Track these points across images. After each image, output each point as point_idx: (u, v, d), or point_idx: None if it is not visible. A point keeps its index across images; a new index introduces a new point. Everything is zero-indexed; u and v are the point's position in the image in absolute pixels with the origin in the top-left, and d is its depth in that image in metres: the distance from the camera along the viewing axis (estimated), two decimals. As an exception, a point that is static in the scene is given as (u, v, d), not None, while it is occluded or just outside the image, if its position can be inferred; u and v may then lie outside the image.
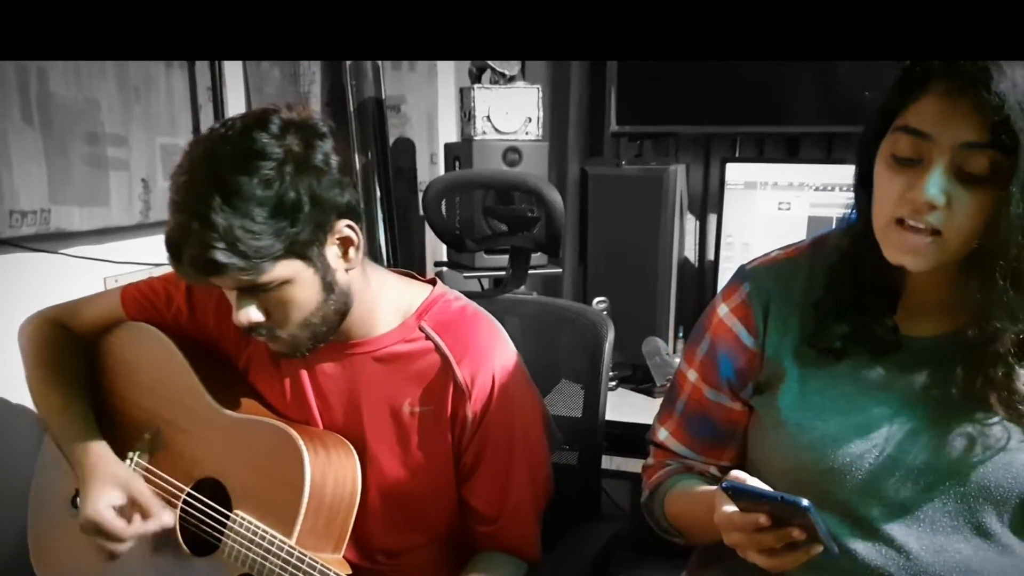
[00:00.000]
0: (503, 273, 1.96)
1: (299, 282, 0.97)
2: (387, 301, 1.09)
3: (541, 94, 1.96)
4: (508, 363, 1.08)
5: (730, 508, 0.79)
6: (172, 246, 0.94)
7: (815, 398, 0.89)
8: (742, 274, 0.99)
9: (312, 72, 2.43)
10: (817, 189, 1.81)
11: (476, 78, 2.01)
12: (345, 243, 1.00)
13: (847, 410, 0.87)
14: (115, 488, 1.04)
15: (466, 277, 1.96)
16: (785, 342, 0.92)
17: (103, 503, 1.02)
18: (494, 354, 1.07)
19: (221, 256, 0.90)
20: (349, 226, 0.99)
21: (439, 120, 2.64)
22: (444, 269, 2.22)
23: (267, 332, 1.01)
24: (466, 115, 1.98)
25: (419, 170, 2.62)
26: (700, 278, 2.21)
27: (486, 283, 2.09)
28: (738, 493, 0.76)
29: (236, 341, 1.15)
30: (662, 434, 1.05)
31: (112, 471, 1.05)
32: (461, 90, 2.03)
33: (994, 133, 0.71)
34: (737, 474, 0.79)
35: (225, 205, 0.89)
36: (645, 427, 1.63)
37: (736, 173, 1.88)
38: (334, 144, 0.98)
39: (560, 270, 2.05)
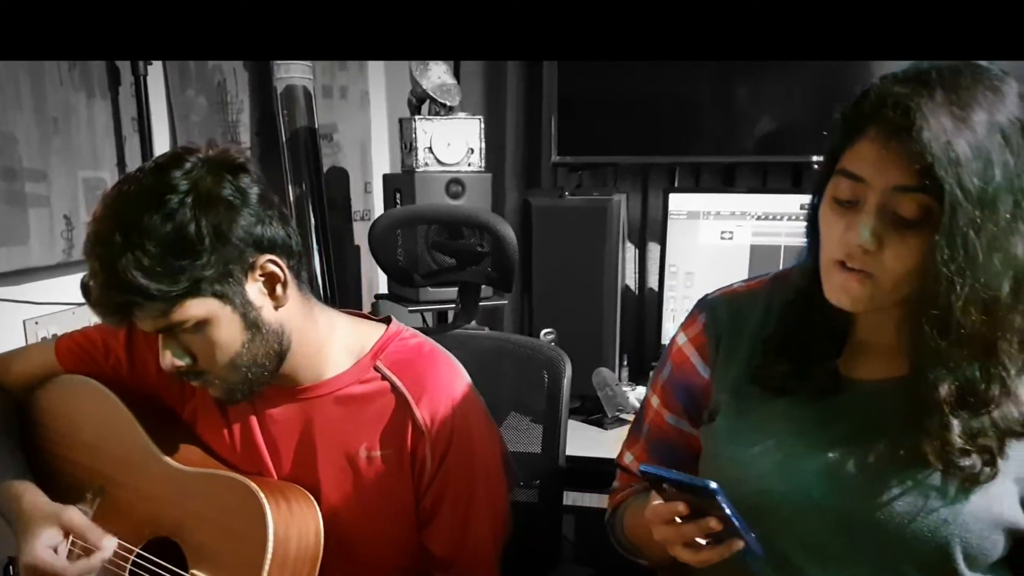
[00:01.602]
0: (449, 307, 1.94)
1: (217, 322, 0.93)
2: (337, 341, 1.05)
3: (483, 125, 1.95)
4: (467, 401, 1.06)
5: (656, 501, 0.80)
6: (85, 291, 0.92)
7: (748, 434, 0.90)
8: (702, 304, 1.01)
9: (240, 100, 2.36)
10: (759, 218, 1.85)
11: (416, 109, 1.98)
12: (271, 279, 0.96)
13: (776, 449, 0.87)
14: (49, 527, 0.97)
15: (410, 311, 1.92)
16: (730, 374, 0.94)
17: (39, 545, 0.95)
18: (453, 392, 1.04)
19: (123, 296, 0.88)
20: (273, 261, 0.95)
21: (372, 149, 2.60)
22: (384, 302, 2.18)
23: (197, 376, 0.97)
24: (406, 146, 1.95)
25: (353, 200, 2.57)
26: (641, 306, 2.23)
27: (430, 317, 2.06)
28: (656, 478, 0.78)
29: (180, 391, 1.09)
30: (627, 458, 1.08)
31: (44, 512, 0.99)
32: (401, 120, 2.00)
33: (921, 178, 0.72)
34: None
35: (124, 243, 0.87)
36: (598, 460, 1.66)
37: (679, 203, 1.91)
38: (256, 177, 0.95)
39: (504, 302, 2.03)
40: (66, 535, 0.98)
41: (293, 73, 2.25)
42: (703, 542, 0.79)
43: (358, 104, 2.55)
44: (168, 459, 1.03)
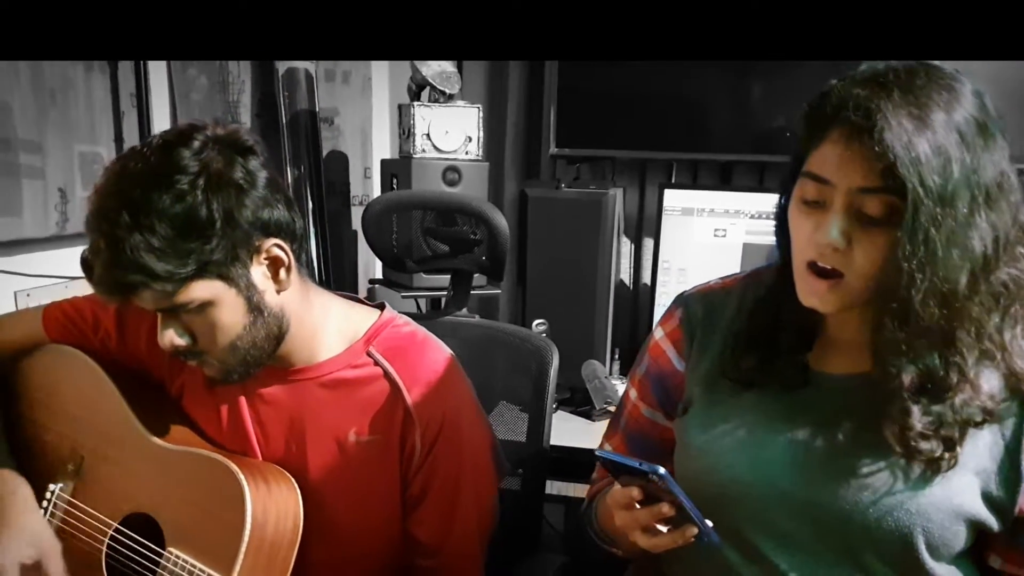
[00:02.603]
0: (441, 293, 1.94)
1: (221, 304, 0.93)
2: (331, 325, 1.05)
3: (482, 114, 1.95)
4: (459, 391, 1.06)
5: (616, 487, 0.83)
6: (85, 267, 0.90)
7: (718, 425, 0.91)
8: (679, 300, 1.03)
9: (242, 81, 2.36)
10: (752, 217, 1.86)
11: (415, 95, 1.98)
12: (275, 263, 0.96)
13: (745, 440, 0.89)
14: (28, 546, 0.98)
15: (403, 297, 1.92)
16: (702, 368, 0.96)
17: (9, 560, 0.96)
18: (445, 381, 1.04)
19: (128, 276, 0.87)
20: (278, 245, 0.95)
21: (373, 135, 2.60)
22: (378, 287, 2.18)
23: (195, 356, 0.97)
24: (405, 132, 1.95)
25: (352, 184, 2.57)
26: (635, 301, 2.24)
27: (423, 303, 2.06)
28: (608, 462, 0.81)
29: (169, 367, 1.09)
30: (606, 448, 1.09)
31: (28, 524, 0.99)
32: (400, 107, 2.00)
33: (884, 178, 0.74)
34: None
35: (132, 222, 0.86)
36: (585, 451, 1.66)
37: (673, 199, 1.91)
38: (263, 160, 0.94)
39: (499, 291, 2.04)
40: (40, 566, 0.98)
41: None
42: (662, 528, 0.81)
43: (360, 89, 2.54)
44: (151, 435, 1.03)
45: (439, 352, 1.08)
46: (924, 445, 0.79)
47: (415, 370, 1.03)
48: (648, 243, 2.22)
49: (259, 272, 0.95)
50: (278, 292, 0.97)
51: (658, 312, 1.96)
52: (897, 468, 0.81)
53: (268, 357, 1.00)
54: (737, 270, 1.86)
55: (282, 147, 2.22)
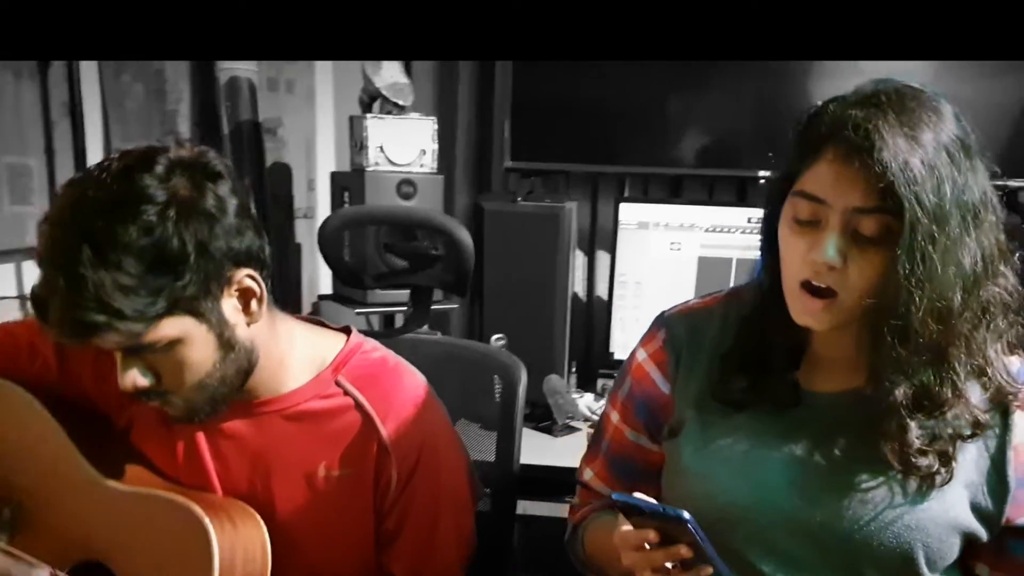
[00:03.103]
0: (397, 309, 1.89)
1: (190, 341, 0.86)
2: (297, 353, 1.00)
3: (436, 126, 1.92)
4: (435, 418, 1.02)
5: (625, 527, 0.80)
6: (39, 306, 0.82)
7: (714, 447, 0.90)
8: (660, 321, 1.01)
9: (180, 89, 2.26)
10: (707, 230, 1.87)
11: (367, 107, 1.93)
12: (246, 295, 0.90)
13: (742, 462, 0.88)
14: None
15: (357, 313, 1.86)
16: (691, 390, 0.95)
17: None
18: (420, 410, 1.00)
19: (92, 316, 0.79)
20: (250, 276, 0.89)
21: (318, 146, 2.53)
22: (327, 303, 2.11)
23: (158, 396, 0.90)
24: (357, 144, 1.90)
25: (296, 197, 2.50)
26: (589, 314, 2.23)
27: (376, 320, 2.01)
28: (627, 506, 0.78)
29: (118, 398, 1.01)
30: (587, 474, 1.07)
31: None
32: (352, 118, 1.95)
33: (881, 198, 0.74)
34: (637, 494, 0.80)
35: (95, 258, 0.78)
36: (547, 468, 1.64)
37: (629, 213, 1.91)
38: (232, 185, 0.88)
39: (454, 306, 2.00)
40: None
41: (237, 64, 2.17)
42: (669, 565, 0.79)
43: (304, 99, 2.47)
44: (100, 475, 0.96)
45: (412, 378, 1.03)
46: (922, 461, 0.80)
47: (388, 399, 0.99)
48: (601, 256, 2.22)
49: (230, 305, 0.89)
50: (248, 325, 0.91)
51: (615, 326, 1.96)
52: (894, 484, 0.82)
53: (236, 393, 0.94)
54: (693, 283, 1.91)
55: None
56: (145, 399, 0.90)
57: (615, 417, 1.03)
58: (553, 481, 1.75)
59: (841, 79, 1.91)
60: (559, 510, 1.79)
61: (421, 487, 0.98)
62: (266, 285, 0.91)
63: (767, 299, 0.88)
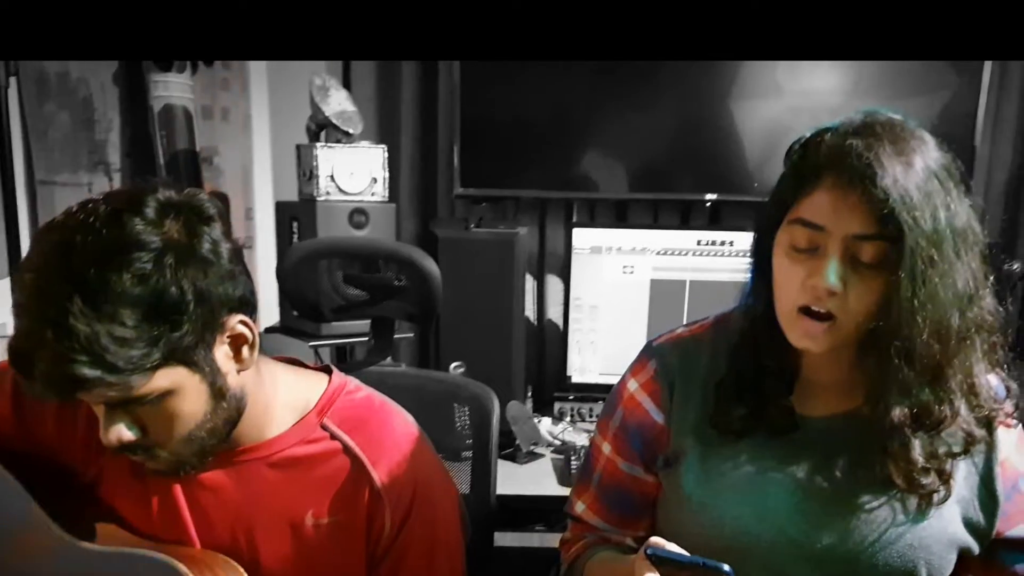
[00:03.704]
0: (355, 340, 1.85)
1: (183, 392, 0.82)
2: (280, 398, 0.96)
3: (386, 154, 1.90)
4: (427, 459, 0.99)
5: (651, 574, 0.78)
6: (21, 359, 0.76)
7: (716, 476, 0.91)
8: (649, 351, 1.01)
9: (109, 119, 2.17)
10: (658, 253, 1.91)
11: (315, 135, 1.90)
12: (237, 341, 0.86)
13: (746, 490, 0.89)
14: None
15: (311, 346, 1.81)
16: (688, 419, 0.95)
17: None
18: (412, 451, 0.97)
19: (84, 370, 0.74)
20: (243, 322, 0.86)
21: (255, 174, 2.46)
22: (276, 336, 2.04)
23: (144, 451, 0.85)
24: (306, 174, 1.85)
25: (234, 227, 2.42)
26: (541, 338, 2.24)
27: (328, 352, 1.96)
28: (661, 559, 0.77)
29: (84, 449, 0.95)
30: (579, 507, 1.05)
31: None
32: (299, 147, 1.90)
33: (881, 224, 0.77)
34: (657, 540, 0.79)
35: (87, 308, 0.73)
36: (516, 498, 1.63)
37: (582, 238, 1.94)
38: (223, 228, 0.84)
39: (410, 335, 1.97)
40: None
41: (172, 92, 2.10)
42: None
43: (240, 126, 2.41)
44: (69, 535, 0.89)
45: (401, 419, 1.01)
46: (925, 479, 0.83)
47: (379, 442, 0.96)
48: (551, 280, 2.24)
49: (222, 352, 0.85)
50: (238, 372, 0.88)
51: (572, 349, 1.98)
52: (895, 504, 0.84)
53: (222, 443, 0.90)
54: (646, 305, 1.94)
55: (161, 189, 2.05)
56: (129, 453, 0.85)
57: (607, 448, 1.02)
58: (520, 510, 1.75)
59: (762, 99, 2.02)
60: (530, 540, 1.79)
61: (416, 532, 0.95)
62: (257, 331, 0.88)
63: (758, 325, 0.89)
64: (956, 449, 0.84)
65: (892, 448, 0.83)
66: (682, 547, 0.86)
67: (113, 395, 0.78)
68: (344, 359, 2.06)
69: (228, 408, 0.87)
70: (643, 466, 0.99)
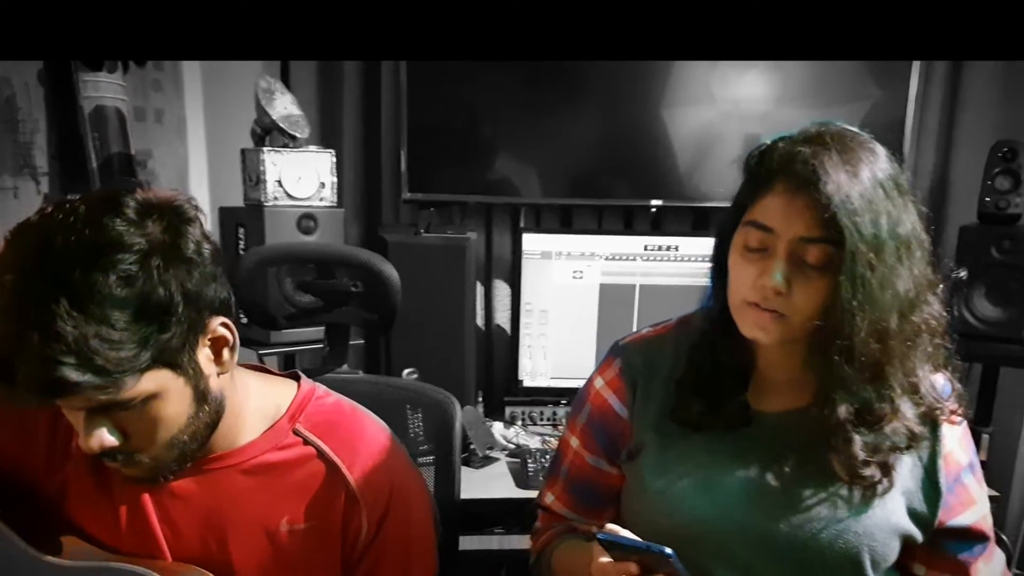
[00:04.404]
0: (306, 348, 1.82)
1: (167, 395, 0.81)
2: (252, 404, 0.95)
3: (334, 159, 1.87)
4: (400, 462, 1.00)
5: (605, 559, 0.83)
6: (1, 365, 0.73)
7: (673, 467, 0.95)
8: (615, 350, 1.05)
9: (35, 119, 2.07)
10: (607, 259, 1.95)
11: (260, 139, 1.86)
12: (218, 343, 0.86)
13: (701, 479, 0.94)
14: None
15: (261, 354, 1.77)
16: (649, 414, 0.99)
17: None
18: (385, 453, 0.97)
19: (71, 373, 0.72)
20: (224, 324, 0.85)
21: (191, 178, 2.39)
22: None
23: (124, 456, 0.83)
24: (252, 179, 1.81)
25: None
26: (489, 343, 2.25)
27: (276, 360, 1.91)
28: (611, 543, 0.82)
29: (47, 459, 0.92)
30: (549, 498, 1.10)
31: None
32: (244, 151, 1.86)
33: (825, 228, 0.81)
34: (611, 527, 0.83)
35: (73, 310, 0.72)
36: (469, 501, 1.63)
37: (532, 243, 1.96)
38: (204, 230, 0.84)
39: (362, 341, 1.95)
40: None
41: (104, 93, 2.01)
42: None
43: (175, 129, 2.33)
44: (34, 552, 0.86)
45: (372, 422, 1.01)
46: (866, 471, 0.87)
47: (352, 446, 0.95)
48: (499, 285, 2.25)
49: (204, 355, 0.84)
50: (218, 375, 0.87)
51: (524, 353, 2.00)
52: (841, 494, 0.89)
53: (201, 448, 0.88)
54: (595, 309, 1.98)
55: (94, 194, 1.97)
56: (108, 460, 0.83)
57: (574, 442, 1.06)
58: (477, 514, 1.75)
59: (694, 105, 2.08)
60: (489, 543, 1.79)
61: (392, 534, 0.95)
62: (237, 334, 0.87)
63: (716, 324, 0.94)
64: (900, 444, 0.89)
65: (836, 443, 0.88)
66: (642, 533, 0.92)
67: (100, 398, 0.76)
68: (293, 367, 2.01)
69: (209, 412, 0.86)
70: (607, 459, 1.04)
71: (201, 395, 0.84)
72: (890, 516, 0.90)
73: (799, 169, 0.82)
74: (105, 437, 0.80)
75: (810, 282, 0.84)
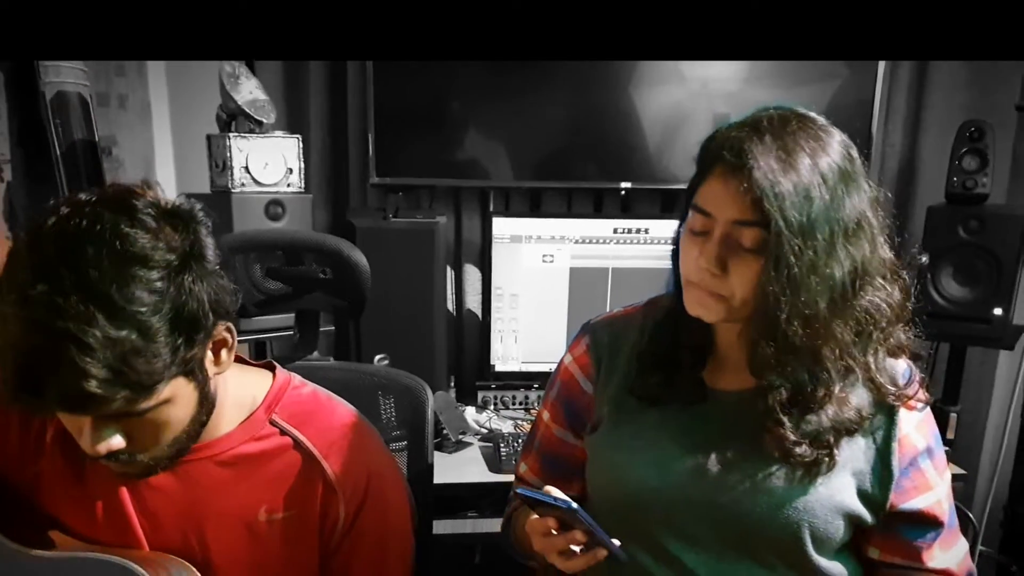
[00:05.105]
0: (274, 335, 1.82)
1: (178, 400, 0.83)
2: (230, 396, 0.95)
3: (301, 144, 1.86)
4: (376, 450, 1.01)
5: (533, 517, 0.91)
6: (29, 378, 0.72)
7: (627, 439, 0.99)
8: (585, 328, 1.09)
9: (-7, 105, 2.02)
10: (576, 242, 1.97)
11: (226, 125, 1.84)
12: (219, 345, 0.87)
13: (651, 452, 0.97)
14: None
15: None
16: (611, 389, 1.03)
17: None
18: (362, 442, 0.99)
19: (105, 388, 0.73)
20: (227, 328, 0.87)
21: (156, 164, 2.36)
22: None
23: (126, 457, 0.84)
24: (218, 165, 1.80)
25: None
26: (460, 328, 2.26)
27: (243, 348, 1.91)
28: (528, 499, 0.87)
29: (20, 452, 0.92)
30: (522, 468, 1.16)
31: None
32: (210, 137, 1.84)
33: (756, 212, 0.83)
34: (549, 489, 0.87)
35: (109, 324, 0.72)
36: (443, 486, 1.64)
37: (502, 227, 1.97)
38: (210, 232, 0.85)
39: (332, 327, 1.95)
40: None
41: (65, 78, 1.97)
42: (576, 549, 0.88)
43: (139, 115, 2.30)
44: (14, 544, 0.86)
45: (347, 411, 1.02)
46: (798, 451, 0.90)
47: (329, 436, 0.97)
48: (469, 269, 2.26)
49: (208, 357, 0.85)
50: (215, 375, 0.88)
51: (495, 337, 2.01)
52: (784, 472, 0.92)
53: (193, 443, 0.90)
54: (565, 293, 2.00)
55: (57, 181, 1.94)
56: (109, 460, 0.83)
57: (546, 416, 1.12)
58: (452, 498, 1.77)
59: (663, 85, 2.07)
60: (463, 526, 1.81)
61: (369, 522, 0.97)
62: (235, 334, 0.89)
63: (677, 304, 0.96)
64: (846, 427, 0.91)
65: (767, 423, 0.91)
66: (599, 502, 0.97)
67: (115, 407, 0.76)
68: (263, 355, 2.01)
69: (206, 410, 0.88)
70: (573, 432, 1.08)
71: (204, 397, 0.86)
72: (834, 495, 0.92)
73: (731, 155, 0.84)
74: (114, 442, 0.80)
75: (746, 264, 0.86)
